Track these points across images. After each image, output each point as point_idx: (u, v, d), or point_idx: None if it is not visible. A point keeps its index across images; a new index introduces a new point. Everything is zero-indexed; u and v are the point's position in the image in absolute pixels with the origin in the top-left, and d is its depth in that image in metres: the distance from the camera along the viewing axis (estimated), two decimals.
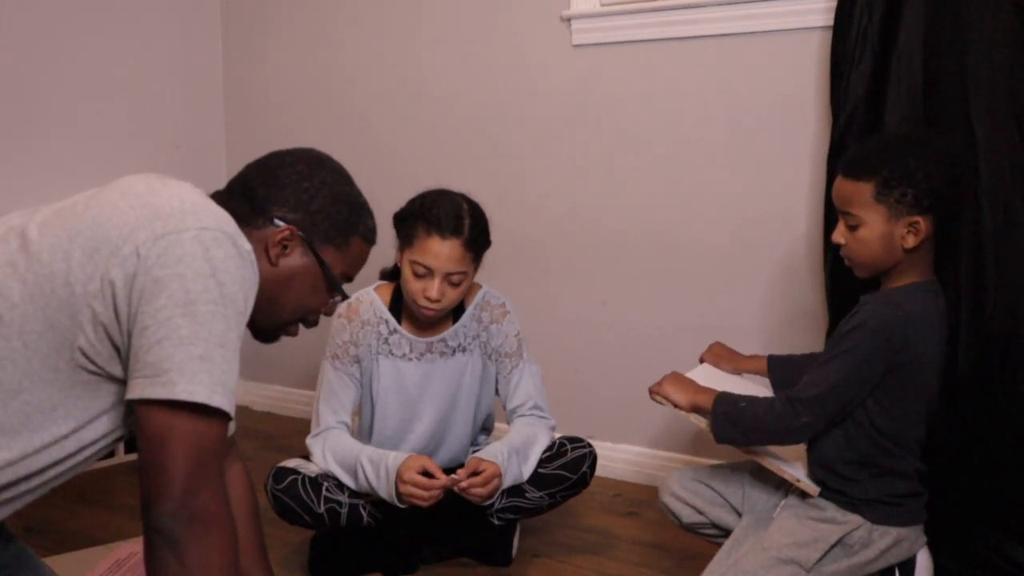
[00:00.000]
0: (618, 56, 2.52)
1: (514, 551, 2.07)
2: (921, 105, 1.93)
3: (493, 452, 1.91)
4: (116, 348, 1.12)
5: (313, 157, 1.35)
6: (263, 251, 1.27)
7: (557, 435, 2.09)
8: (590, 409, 2.64)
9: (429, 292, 1.90)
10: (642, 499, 2.44)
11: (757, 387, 1.89)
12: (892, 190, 1.56)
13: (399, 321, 2.04)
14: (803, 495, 1.68)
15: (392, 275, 2.09)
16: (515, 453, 1.94)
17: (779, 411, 1.60)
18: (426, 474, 1.83)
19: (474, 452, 2.11)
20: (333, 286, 1.34)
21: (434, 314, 1.94)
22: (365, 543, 1.99)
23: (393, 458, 1.87)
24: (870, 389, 1.59)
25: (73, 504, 2.25)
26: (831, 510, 1.63)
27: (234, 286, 1.12)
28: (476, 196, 2.03)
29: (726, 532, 1.78)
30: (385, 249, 2.14)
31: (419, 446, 2.05)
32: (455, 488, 1.84)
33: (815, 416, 1.58)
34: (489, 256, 2.03)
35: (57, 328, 1.10)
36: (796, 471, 1.68)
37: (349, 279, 1.38)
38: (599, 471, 2.08)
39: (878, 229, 1.58)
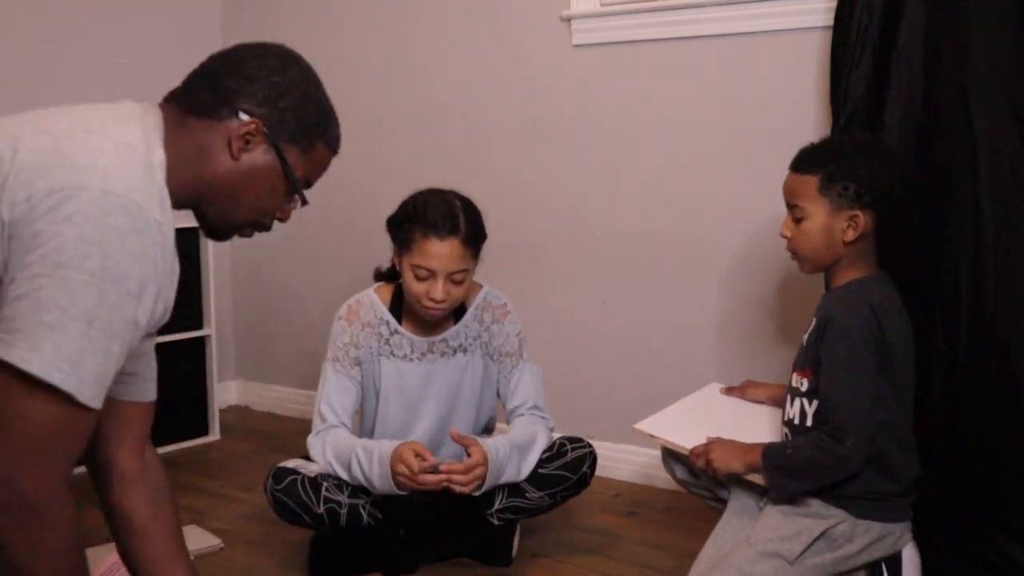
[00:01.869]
0: (618, 56, 2.52)
1: (514, 551, 2.07)
2: (921, 105, 1.93)
3: (494, 445, 1.91)
4: None
5: (285, 53, 1.29)
6: (225, 144, 1.21)
7: (557, 435, 2.09)
8: (590, 409, 2.64)
9: (434, 293, 1.90)
10: (642, 499, 2.44)
11: (763, 415, 1.89)
12: (835, 183, 1.64)
13: (399, 322, 2.04)
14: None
15: (388, 276, 2.09)
16: (516, 449, 1.94)
17: (824, 444, 1.60)
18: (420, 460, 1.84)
19: None
20: (295, 187, 1.27)
21: (440, 314, 1.96)
22: (365, 543, 1.99)
23: (387, 445, 1.87)
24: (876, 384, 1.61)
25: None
26: (816, 505, 1.65)
27: (125, 263, 1.03)
28: (476, 196, 2.03)
29: (718, 499, 1.81)
30: (377, 251, 2.14)
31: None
32: (442, 471, 1.84)
33: (858, 434, 1.59)
34: (488, 256, 2.03)
35: None
36: None
37: (308, 185, 1.32)
38: (599, 471, 2.08)
39: (820, 221, 1.66)
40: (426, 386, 2.05)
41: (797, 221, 1.69)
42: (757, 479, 1.69)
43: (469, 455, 1.87)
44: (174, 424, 2.84)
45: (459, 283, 1.93)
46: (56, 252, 1.00)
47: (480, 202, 2.02)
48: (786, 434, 1.74)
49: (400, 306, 2.05)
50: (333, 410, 2.00)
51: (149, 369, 1.41)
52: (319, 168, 1.33)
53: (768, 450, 1.67)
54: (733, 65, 2.36)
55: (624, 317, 2.58)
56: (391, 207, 2.03)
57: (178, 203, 1.21)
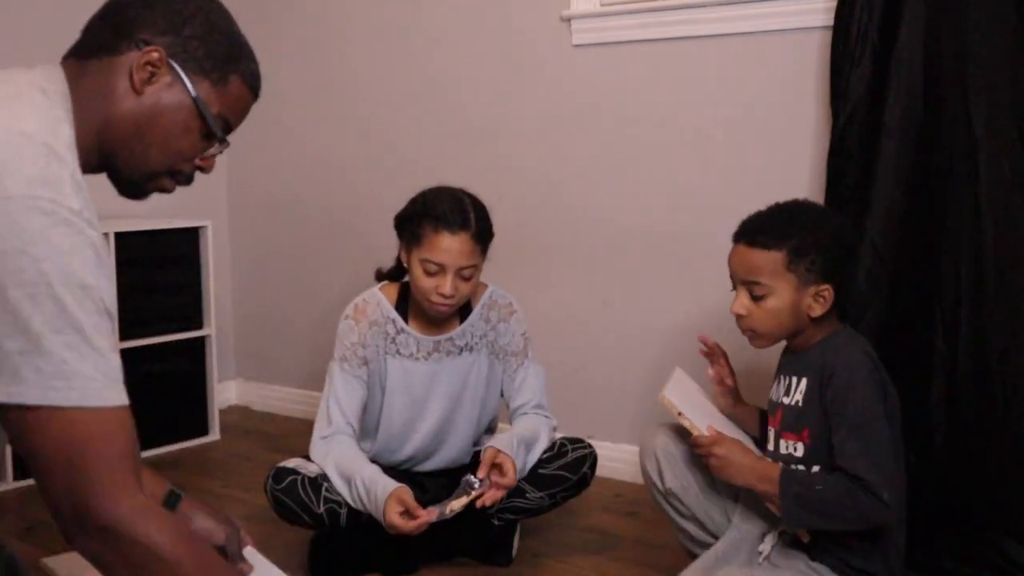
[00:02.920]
0: (618, 56, 2.52)
1: (514, 551, 2.07)
2: (921, 105, 1.93)
3: (506, 442, 1.91)
4: None
5: None
6: (127, 79, 1.10)
7: (558, 435, 2.09)
8: (590, 409, 2.64)
9: (443, 288, 1.89)
10: (642, 499, 2.43)
11: (721, 420, 1.81)
12: (803, 258, 1.57)
13: (406, 320, 2.04)
14: (792, 540, 1.63)
15: (392, 275, 2.09)
16: (523, 444, 1.94)
17: (861, 497, 1.48)
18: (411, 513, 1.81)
19: (475, 450, 2.12)
20: (209, 124, 1.14)
21: (448, 310, 1.95)
22: (365, 543, 1.99)
23: (382, 489, 1.84)
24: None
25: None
26: (826, 573, 1.58)
27: (62, 260, 0.95)
28: (476, 195, 2.03)
29: (703, 527, 1.75)
30: (378, 251, 2.15)
31: (422, 445, 2.05)
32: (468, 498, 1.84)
33: (891, 486, 1.50)
34: (490, 256, 2.03)
35: None
36: None
37: (228, 128, 1.19)
38: (599, 471, 2.08)
39: (787, 299, 1.58)
40: (432, 385, 2.04)
41: (756, 299, 1.59)
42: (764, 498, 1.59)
43: (500, 463, 1.85)
44: (174, 424, 2.85)
45: (467, 279, 1.93)
46: (17, 273, 0.93)
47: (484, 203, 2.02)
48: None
49: (406, 305, 2.04)
50: (341, 411, 1.98)
51: None
52: (237, 108, 1.18)
53: (789, 475, 1.57)
54: (733, 65, 2.36)
55: (625, 316, 2.58)
56: (392, 207, 2.03)
57: (93, 166, 1.12)
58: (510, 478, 1.85)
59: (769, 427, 1.70)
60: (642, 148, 2.51)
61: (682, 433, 1.74)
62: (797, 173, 2.26)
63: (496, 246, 2.04)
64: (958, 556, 1.86)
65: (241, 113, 1.20)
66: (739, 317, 1.63)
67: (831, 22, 2.07)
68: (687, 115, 2.44)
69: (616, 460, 2.57)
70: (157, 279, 2.75)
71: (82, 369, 0.96)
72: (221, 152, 1.19)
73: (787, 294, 1.58)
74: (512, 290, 2.19)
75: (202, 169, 1.19)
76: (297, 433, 2.81)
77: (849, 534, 1.57)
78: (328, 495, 1.91)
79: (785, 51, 2.27)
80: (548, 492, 1.99)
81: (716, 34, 2.36)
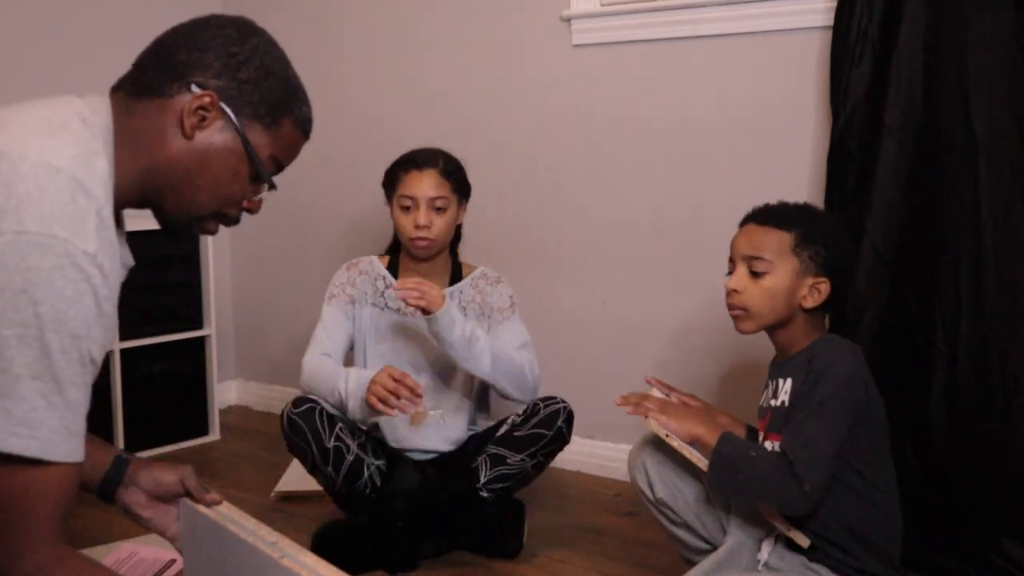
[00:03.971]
0: (618, 56, 2.52)
1: (524, 538, 2.09)
2: (921, 105, 1.93)
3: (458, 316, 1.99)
4: None
5: (246, 23, 1.15)
6: (177, 123, 1.08)
7: (539, 390, 2.12)
8: (590, 409, 2.63)
9: (418, 219, 2.06)
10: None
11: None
12: (809, 245, 1.60)
13: (396, 278, 2.15)
14: (789, 544, 1.62)
15: (387, 250, 2.23)
16: (481, 340, 2.00)
17: (785, 475, 1.49)
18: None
19: (471, 431, 2.18)
20: (258, 170, 1.12)
21: (427, 244, 2.08)
22: (365, 541, 2.00)
23: (367, 375, 1.95)
24: (848, 436, 1.54)
25: (75, 504, 2.25)
26: (826, 573, 1.59)
27: (60, 305, 0.93)
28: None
29: (697, 534, 1.74)
30: (378, 251, 2.15)
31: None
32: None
33: (820, 480, 1.49)
34: (489, 254, 2.04)
35: None
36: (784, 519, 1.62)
37: (279, 168, 1.17)
38: (599, 471, 2.08)
39: (785, 281, 1.61)
40: (419, 342, 2.13)
41: (755, 275, 1.61)
42: (679, 446, 1.59)
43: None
44: (174, 424, 2.85)
45: (441, 211, 2.08)
46: None
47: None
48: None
49: (396, 267, 2.18)
50: (330, 337, 2.13)
51: None
52: (289, 150, 1.17)
53: (728, 437, 1.57)
54: (733, 65, 2.36)
55: (625, 316, 2.58)
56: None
57: (133, 202, 1.11)
58: (421, 289, 1.93)
59: (759, 431, 1.71)
60: (642, 148, 2.51)
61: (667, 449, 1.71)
62: (797, 173, 2.27)
63: (496, 246, 2.04)
64: (958, 556, 1.86)
65: (292, 155, 1.19)
66: (734, 293, 1.64)
67: (831, 22, 2.08)
68: (687, 115, 2.44)
69: (616, 460, 2.57)
70: (157, 279, 2.75)
71: (47, 419, 0.95)
72: (267, 193, 1.18)
73: (786, 276, 1.61)
74: (512, 290, 2.20)
75: (249, 211, 1.18)
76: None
77: (847, 535, 1.58)
78: (340, 434, 1.97)
79: (785, 51, 2.27)
80: (528, 453, 2.02)
81: (716, 34, 2.36)
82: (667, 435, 1.61)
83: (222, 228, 1.19)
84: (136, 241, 1.24)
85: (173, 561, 1.95)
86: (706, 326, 2.45)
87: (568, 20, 2.57)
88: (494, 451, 2.02)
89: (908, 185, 1.95)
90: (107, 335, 1.01)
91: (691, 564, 1.72)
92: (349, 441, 1.98)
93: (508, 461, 2.01)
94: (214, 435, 2.97)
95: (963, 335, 1.85)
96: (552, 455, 2.07)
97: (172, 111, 1.08)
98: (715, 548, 1.68)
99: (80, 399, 0.98)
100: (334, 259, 3.09)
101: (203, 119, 1.09)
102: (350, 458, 1.96)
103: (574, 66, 2.59)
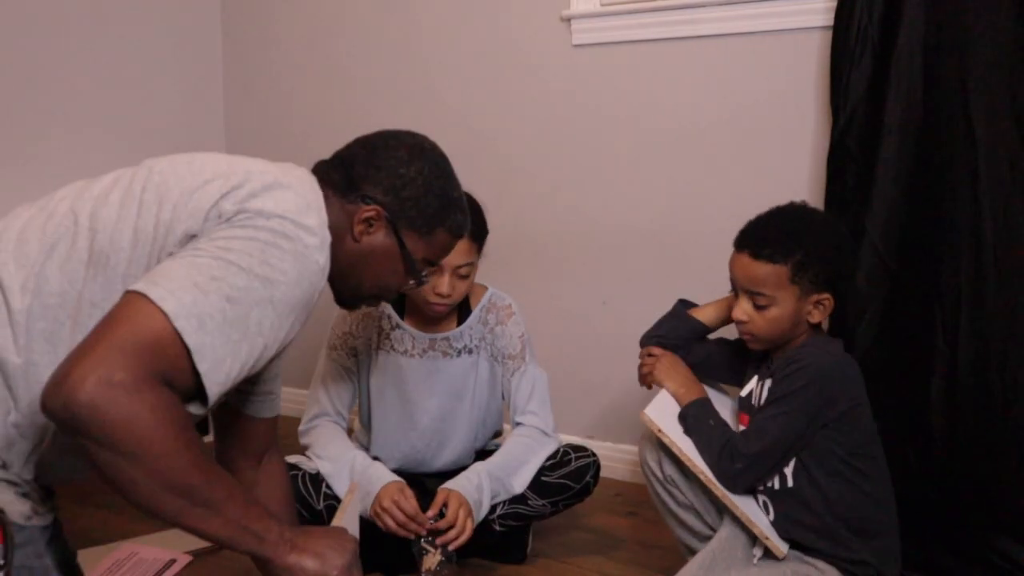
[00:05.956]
0: (618, 56, 2.52)
1: (528, 548, 2.08)
2: (921, 105, 1.93)
3: (468, 483, 1.89)
4: None
5: (417, 144, 1.38)
6: (349, 225, 1.30)
7: (561, 438, 2.08)
8: (590, 409, 2.64)
9: (439, 288, 1.90)
10: (642, 499, 2.43)
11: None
12: (807, 271, 1.60)
13: (402, 317, 2.04)
14: (788, 538, 1.65)
15: None
16: (494, 477, 1.93)
17: (728, 449, 1.62)
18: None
19: (479, 451, 2.12)
20: (411, 270, 1.36)
21: (445, 309, 1.96)
22: (365, 543, 1.99)
23: (378, 472, 1.87)
24: (808, 440, 1.60)
25: (75, 505, 2.25)
26: (824, 568, 1.61)
27: (278, 275, 1.10)
28: (475, 195, 2.03)
29: (701, 518, 1.76)
30: None
31: (421, 444, 2.05)
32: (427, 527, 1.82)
33: (755, 468, 1.61)
34: (488, 256, 2.03)
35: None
36: (765, 525, 1.64)
37: (432, 264, 1.41)
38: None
39: (790, 308, 1.62)
40: (426, 384, 2.04)
41: (759, 308, 1.63)
42: (650, 422, 1.70)
43: (445, 511, 1.84)
44: None
45: (464, 278, 1.94)
46: (224, 240, 1.09)
47: (479, 200, 2.02)
48: (765, 502, 1.68)
49: (403, 301, 2.05)
50: (329, 398, 2.02)
51: (276, 387, 1.54)
52: (440, 251, 1.40)
53: (699, 403, 1.70)
54: (733, 65, 2.36)
55: (625, 316, 2.57)
56: None
57: None
58: (459, 524, 1.81)
59: (740, 425, 1.74)
60: (642, 148, 2.51)
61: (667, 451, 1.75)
62: (797, 173, 2.27)
63: (496, 246, 2.04)
64: (957, 556, 1.86)
65: (444, 255, 1.42)
66: (741, 323, 1.66)
67: (831, 22, 2.08)
68: (687, 115, 2.44)
69: (616, 460, 2.57)
70: None
71: (213, 340, 1.04)
72: (418, 286, 1.41)
73: (789, 304, 1.62)
74: (512, 290, 2.19)
75: (404, 292, 1.43)
76: (297, 433, 2.81)
77: (841, 525, 1.60)
78: (328, 492, 1.91)
79: (785, 51, 2.27)
80: (550, 500, 1.99)
81: (716, 34, 2.36)
82: (659, 431, 1.70)
83: None
84: None
85: (173, 561, 1.96)
86: None
87: (568, 20, 2.57)
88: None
89: (908, 185, 1.95)
90: (292, 329, 1.17)
91: (691, 552, 1.74)
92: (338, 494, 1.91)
93: (529, 503, 1.97)
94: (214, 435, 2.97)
95: (963, 335, 1.85)
96: (572, 504, 2.04)
97: (348, 214, 1.31)
98: (714, 534, 1.70)
99: (243, 353, 1.08)
100: None
101: (370, 226, 1.32)
102: None
103: (574, 66, 2.59)
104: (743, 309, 1.65)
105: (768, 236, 1.63)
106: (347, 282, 1.34)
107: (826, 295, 1.62)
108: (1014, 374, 1.81)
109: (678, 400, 1.73)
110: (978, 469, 1.85)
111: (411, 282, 1.38)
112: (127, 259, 1.14)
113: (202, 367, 1.03)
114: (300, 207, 1.17)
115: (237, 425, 1.46)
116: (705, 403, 1.71)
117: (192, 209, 1.15)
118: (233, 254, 1.08)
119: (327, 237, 1.20)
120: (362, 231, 1.31)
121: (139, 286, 1.03)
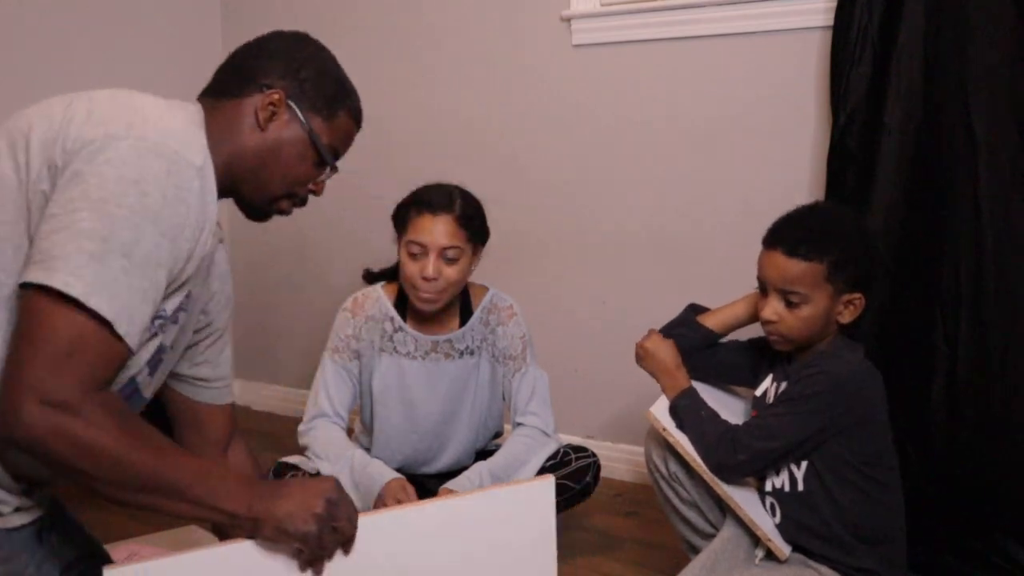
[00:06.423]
0: (618, 56, 2.52)
1: None
2: (921, 105, 1.94)
3: (469, 481, 1.89)
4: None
5: (302, 35, 1.40)
6: (253, 118, 1.28)
7: (562, 438, 2.08)
8: (590, 409, 2.64)
9: (425, 270, 1.89)
10: (642, 499, 2.43)
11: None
12: (842, 271, 1.57)
13: (404, 319, 2.04)
14: (791, 540, 1.64)
15: (385, 275, 2.10)
16: (496, 477, 1.92)
17: (726, 439, 1.61)
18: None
19: (479, 451, 2.12)
20: (321, 153, 1.32)
21: (433, 296, 1.92)
22: None
23: (379, 469, 1.86)
24: (814, 447, 1.59)
25: (75, 505, 2.25)
26: (826, 571, 1.60)
27: (160, 203, 1.07)
28: (475, 195, 2.03)
29: (704, 516, 1.75)
30: (377, 251, 2.15)
31: (422, 445, 2.05)
32: None
33: (752, 462, 1.61)
34: (488, 256, 2.03)
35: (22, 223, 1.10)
36: (768, 527, 1.63)
37: (337, 155, 1.37)
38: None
39: (823, 307, 1.59)
40: (428, 386, 2.04)
41: (791, 305, 1.59)
42: (654, 419, 1.70)
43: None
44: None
45: (452, 262, 1.91)
46: (97, 188, 1.05)
47: (480, 200, 2.02)
48: (773, 504, 1.66)
49: (405, 304, 2.04)
50: (329, 400, 2.01)
51: (227, 371, 1.48)
52: (344, 137, 1.38)
53: (689, 391, 1.69)
54: (733, 65, 2.36)
55: (624, 316, 2.58)
56: (390, 204, 2.03)
57: (219, 190, 1.24)
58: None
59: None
60: (642, 148, 2.51)
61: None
62: (797, 173, 2.27)
63: (496, 246, 2.04)
64: (958, 556, 1.86)
65: (348, 142, 1.39)
66: (770, 323, 1.62)
67: (831, 22, 2.08)
68: (687, 115, 2.44)
69: (616, 460, 2.57)
70: None
71: (121, 294, 1.04)
72: (330, 177, 1.37)
73: (823, 303, 1.59)
74: (512, 290, 2.19)
75: (314, 192, 1.37)
76: (297, 433, 2.81)
77: (848, 532, 1.59)
78: None
79: (785, 51, 2.27)
80: None
81: (716, 34, 2.36)
82: (664, 429, 1.69)
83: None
84: None
85: None
86: None
87: (568, 20, 2.57)
88: None
89: (908, 185, 1.95)
90: (193, 254, 1.14)
91: (694, 551, 1.73)
92: None
93: None
94: None
95: (963, 335, 1.85)
96: (573, 505, 2.04)
97: (247, 108, 1.28)
98: (717, 533, 1.69)
99: (152, 296, 1.08)
100: (334, 260, 3.10)
101: (273, 114, 1.28)
102: None
103: (574, 66, 2.59)
104: (773, 308, 1.60)
105: (803, 234, 1.60)
106: (256, 181, 1.31)
107: (858, 295, 1.59)
108: (1014, 374, 1.81)
109: (664, 393, 1.72)
110: (978, 469, 1.85)
111: (323, 173, 1.35)
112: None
113: (121, 329, 1.04)
114: (168, 126, 1.14)
115: (195, 418, 1.44)
116: (692, 393, 1.70)
117: (50, 143, 1.11)
118: (111, 204, 1.04)
119: (200, 139, 1.19)
120: (267, 118, 1.28)
121: (38, 276, 1.01)
